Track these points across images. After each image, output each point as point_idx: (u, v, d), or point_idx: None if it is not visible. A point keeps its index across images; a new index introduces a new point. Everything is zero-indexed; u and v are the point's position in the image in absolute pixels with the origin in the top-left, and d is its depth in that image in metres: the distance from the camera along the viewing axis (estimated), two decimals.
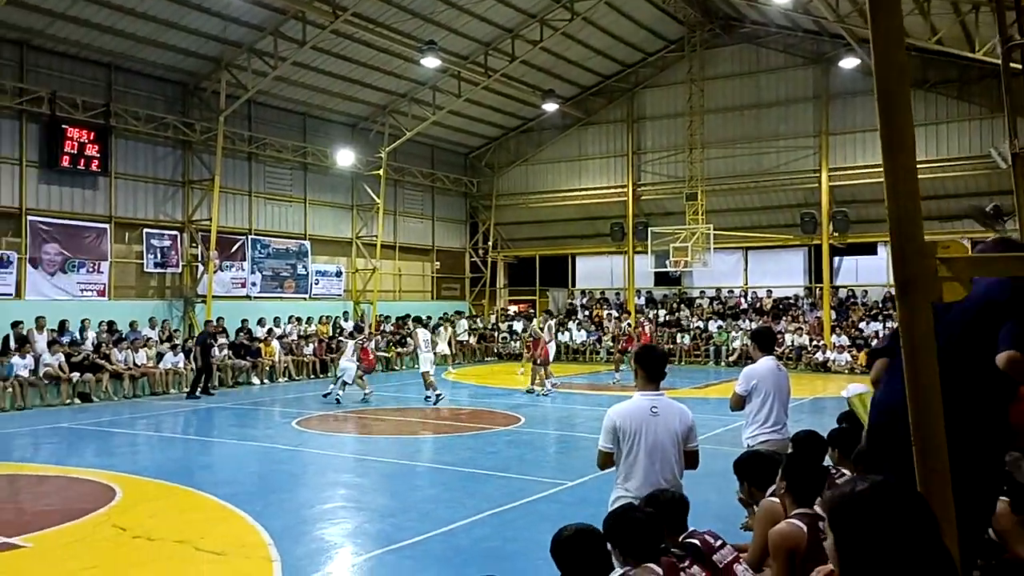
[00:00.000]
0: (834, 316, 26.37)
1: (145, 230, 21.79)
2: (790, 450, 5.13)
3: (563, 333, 28.45)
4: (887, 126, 2.17)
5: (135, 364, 18.98)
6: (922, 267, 2.15)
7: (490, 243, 33.13)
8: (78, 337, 18.86)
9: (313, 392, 20.02)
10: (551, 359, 20.11)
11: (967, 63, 21.50)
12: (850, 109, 25.78)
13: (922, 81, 24.29)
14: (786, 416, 6.83)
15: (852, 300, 27.36)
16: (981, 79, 22.94)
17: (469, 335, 29.53)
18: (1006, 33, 9.02)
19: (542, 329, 20.25)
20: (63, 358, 17.61)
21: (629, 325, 25.65)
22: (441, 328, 24.43)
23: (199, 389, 18.84)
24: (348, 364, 18.09)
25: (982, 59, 17.98)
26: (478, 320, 31.87)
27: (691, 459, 4.98)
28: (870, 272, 27.09)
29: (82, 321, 19.18)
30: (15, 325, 17.66)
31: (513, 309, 33.17)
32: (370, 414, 16.80)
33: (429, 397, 17.57)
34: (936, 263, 2.16)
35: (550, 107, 27.96)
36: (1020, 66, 10.74)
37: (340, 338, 24.80)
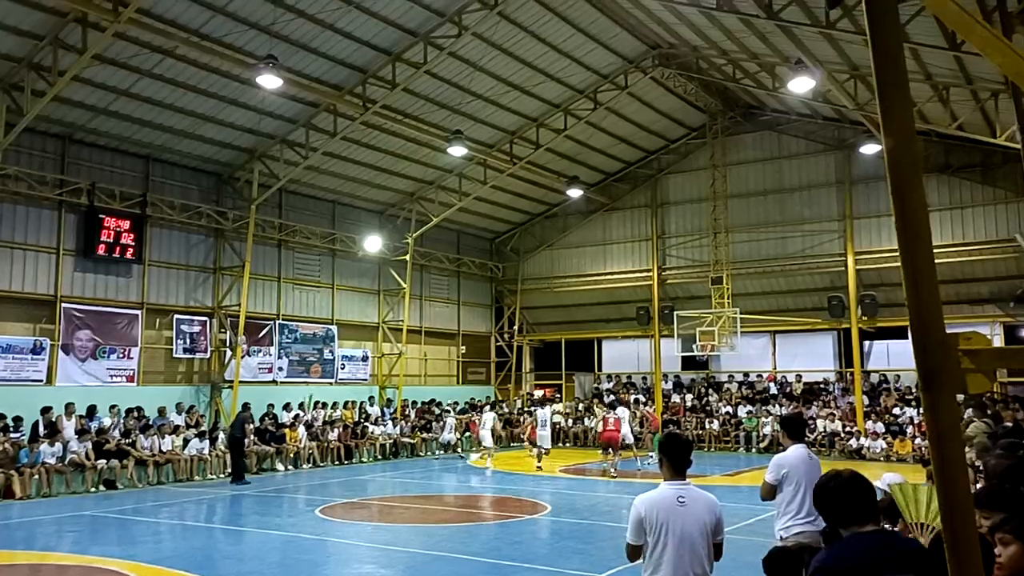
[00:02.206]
0: (867, 401, 25.85)
1: (175, 316, 22.14)
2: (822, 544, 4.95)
3: (589, 419, 28.12)
4: (902, 218, 2.19)
5: (161, 450, 18.99)
6: (945, 359, 2.13)
7: (515, 327, 33.18)
8: (106, 423, 18.96)
9: (337, 479, 19.84)
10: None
11: (990, 147, 21.62)
12: (874, 193, 25.87)
13: (945, 166, 24.42)
14: None
15: (884, 385, 26.84)
16: (1005, 163, 23.02)
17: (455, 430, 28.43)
18: None
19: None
20: (90, 446, 17.66)
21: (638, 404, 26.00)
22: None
23: (225, 475, 18.72)
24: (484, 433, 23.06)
25: (1004, 144, 18.08)
26: (503, 405, 31.61)
27: (716, 550, 4.85)
28: (901, 357, 26.64)
29: (110, 408, 19.32)
30: (45, 411, 17.83)
31: (539, 394, 32.92)
32: (395, 502, 16.58)
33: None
34: (959, 355, 2.14)
35: (575, 193, 28.39)
36: None
37: (365, 423, 24.76)
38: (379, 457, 24.30)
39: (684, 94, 26.36)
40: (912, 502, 4.53)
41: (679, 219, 30.00)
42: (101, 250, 20.08)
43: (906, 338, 26.51)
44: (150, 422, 19.57)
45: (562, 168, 28.29)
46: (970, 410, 15.19)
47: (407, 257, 27.60)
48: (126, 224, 20.55)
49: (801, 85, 20.36)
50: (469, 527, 13.49)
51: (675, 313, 27.72)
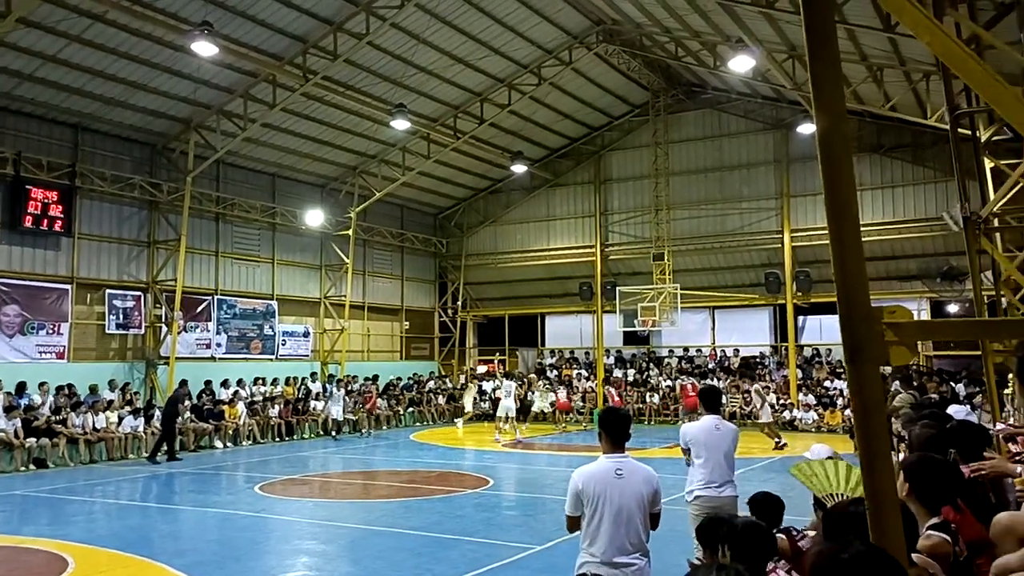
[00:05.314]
0: (800, 375, 26.60)
1: (107, 291, 21.50)
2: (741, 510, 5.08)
3: (532, 392, 28.33)
4: (832, 196, 2.24)
5: (94, 428, 18.50)
6: (869, 333, 2.20)
7: (459, 303, 33.13)
8: (36, 401, 18.37)
9: (277, 455, 19.64)
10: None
11: (920, 128, 22.26)
12: (810, 172, 26.41)
13: (877, 146, 25.11)
14: (730, 473, 6.92)
15: (817, 358, 27.64)
16: (934, 144, 23.72)
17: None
18: (953, 102, 9.39)
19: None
20: (19, 423, 17.12)
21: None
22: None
23: (160, 454, 18.42)
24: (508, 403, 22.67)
25: (934, 125, 18.63)
26: (447, 380, 31.65)
27: (653, 520, 4.95)
28: (833, 331, 27.35)
29: (40, 385, 18.72)
30: None
31: (482, 369, 33.02)
32: (336, 478, 16.50)
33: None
34: (883, 328, 2.21)
35: (519, 169, 28.35)
36: (968, 132, 11.15)
37: (307, 399, 24.50)
38: (321, 433, 24.12)
39: (627, 71, 26.47)
40: (816, 477, 4.64)
41: (622, 196, 30.23)
42: (28, 222, 19.32)
43: (838, 313, 27.28)
44: (81, 399, 19.05)
45: (506, 143, 28.21)
46: (897, 382, 15.75)
47: (349, 232, 27.27)
48: (54, 195, 19.82)
49: (741, 64, 20.64)
50: (410, 502, 13.51)
51: (617, 289, 27.99)
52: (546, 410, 27.20)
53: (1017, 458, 4.62)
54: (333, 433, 23.60)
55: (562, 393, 27.27)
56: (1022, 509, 3.73)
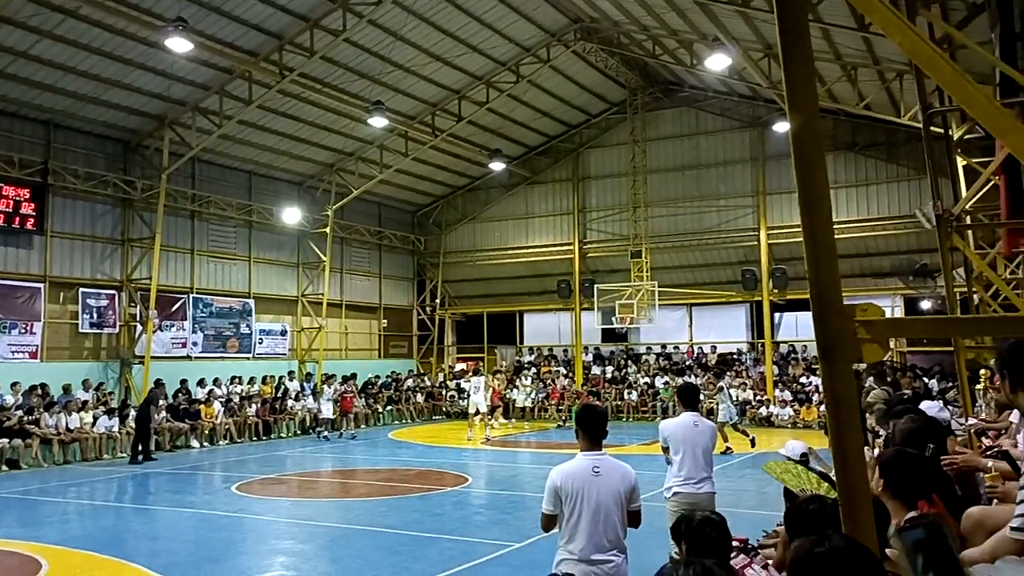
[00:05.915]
0: (776, 371, 26.82)
1: (81, 289, 21.24)
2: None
3: (512, 390, 28.34)
4: (805, 193, 2.26)
5: (67, 428, 18.27)
6: (842, 330, 2.22)
7: (438, 301, 33.06)
8: (8, 401, 18.11)
9: (255, 455, 19.50)
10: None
11: (894, 127, 22.51)
12: (785, 170, 26.59)
13: (852, 144, 25.35)
14: (707, 470, 7.00)
15: (793, 355, 27.87)
16: (907, 142, 24.01)
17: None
18: (926, 100, 9.50)
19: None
20: None
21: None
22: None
23: (140, 455, 18.21)
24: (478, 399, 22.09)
25: (907, 124, 18.84)
26: (425, 378, 31.57)
27: (634, 518, 4.95)
28: (809, 327, 27.03)
29: (12, 385, 18.46)
30: None
31: (460, 367, 32.94)
32: (314, 477, 16.42)
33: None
34: (855, 326, 2.23)
35: (497, 166, 28.32)
36: (941, 131, 11.29)
37: (284, 398, 24.30)
38: (298, 432, 23.99)
39: (605, 69, 26.52)
40: (787, 474, 4.67)
41: (600, 193, 30.31)
42: None
43: None
44: (55, 399, 18.80)
45: (484, 141, 28.17)
46: (871, 379, 15.90)
47: (327, 229, 27.12)
48: (26, 193, 19.55)
49: (717, 62, 20.75)
50: (389, 500, 13.47)
51: (595, 286, 28.08)
52: (527, 406, 27.22)
53: (988, 452, 4.69)
54: (320, 432, 23.24)
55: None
56: (993, 504, 3.79)
